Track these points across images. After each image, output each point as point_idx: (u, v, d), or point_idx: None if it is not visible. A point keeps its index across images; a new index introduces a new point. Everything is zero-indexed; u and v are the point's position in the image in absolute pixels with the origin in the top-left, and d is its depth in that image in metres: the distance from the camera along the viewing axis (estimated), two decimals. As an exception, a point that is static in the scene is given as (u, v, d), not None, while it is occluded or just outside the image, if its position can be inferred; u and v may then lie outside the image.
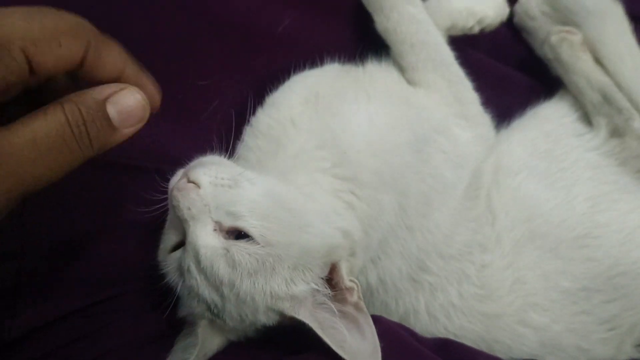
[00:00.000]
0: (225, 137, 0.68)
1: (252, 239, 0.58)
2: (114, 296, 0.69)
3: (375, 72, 0.76)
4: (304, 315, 0.58)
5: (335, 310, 0.59)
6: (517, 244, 0.73)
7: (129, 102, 0.43)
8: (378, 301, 0.72)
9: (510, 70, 0.88)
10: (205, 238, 0.57)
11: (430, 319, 0.73)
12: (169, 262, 0.61)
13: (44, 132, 0.38)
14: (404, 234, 0.70)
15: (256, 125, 0.73)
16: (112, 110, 0.42)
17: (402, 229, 0.70)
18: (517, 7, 0.88)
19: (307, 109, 0.72)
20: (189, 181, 0.58)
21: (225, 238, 0.58)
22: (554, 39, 0.80)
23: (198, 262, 0.57)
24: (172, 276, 0.61)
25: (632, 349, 0.75)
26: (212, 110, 0.74)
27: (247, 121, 0.73)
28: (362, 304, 0.60)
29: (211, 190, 0.58)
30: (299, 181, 0.67)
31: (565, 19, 0.83)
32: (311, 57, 0.76)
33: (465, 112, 0.77)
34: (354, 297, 0.61)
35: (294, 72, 0.75)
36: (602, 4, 0.81)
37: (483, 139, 0.79)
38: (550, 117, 0.81)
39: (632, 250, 0.73)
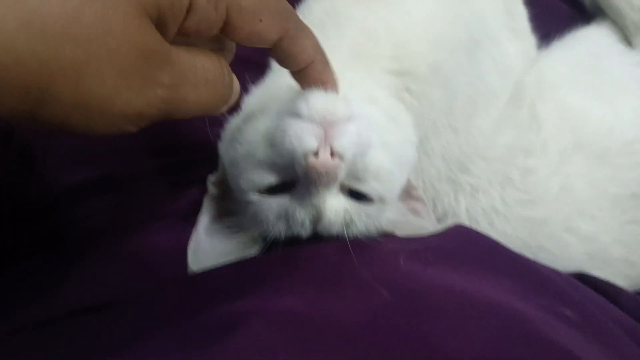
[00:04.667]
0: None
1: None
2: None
3: None
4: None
5: (406, 209, 0.62)
6: (564, 152, 0.71)
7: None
8: None
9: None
10: (332, 202, 0.53)
11: (471, 223, 0.69)
12: (264, 203, 0.55)
13: (204, 64, 0.39)
14: (447, 133, 0.68)
15: (307, 16, 0.70)
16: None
17: (445, 128, 0.68)
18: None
19: (357, 3, 0.70)
20: (333, 154, 0.50)
21: (345, 196, 0.55)
22: (595, -38, 0.81)
23: (317, 221, 0.54)
24: (269, 216, 0.55)
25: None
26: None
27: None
28: (423, 196, 0.63)
29: (352, 160, 0.51)
30: (366, 84, 0.63)
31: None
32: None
33: (513, 25, 0.77)
34: (419, 192, 0.63)
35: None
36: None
37: (527, 55, 0.78)
38: (591, 38, 0.81)
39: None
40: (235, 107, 0.62)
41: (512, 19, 0.76)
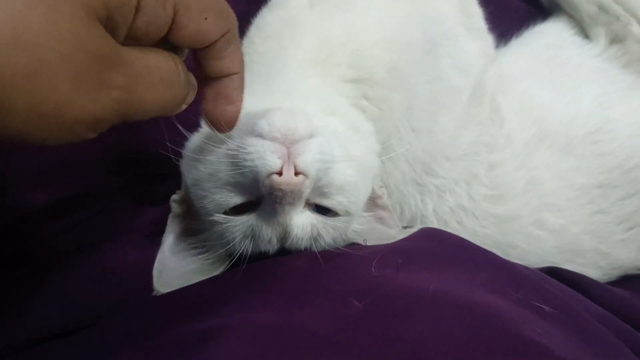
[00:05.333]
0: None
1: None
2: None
3: None
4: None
5: (372, 219, 0.62)
6: (528, 145, 0.71)
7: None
8: None
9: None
10: (298, 218, 0.53)
11: (440, 223, 0.69)
12: (230, 222, 0.54)
13: (157, 63, 0.38)
14: (409, 136, 0.68)
15: (263, 27, 0.70)
16: None
17: (407, 131, 0.67)
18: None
19: (312, 10, 0.70)
20: (297, 172, 0.50)
21: (311, 211, 0.55)
22: (547, -44, 0.82)
23: (284, 238, 0.54)
24: (235, 235, 0.54)
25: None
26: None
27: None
28: (389, 205, 0.64)
29: (316, 176, 0.51)
30: (324, 93, 0.64)
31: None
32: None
33: (469, 24, 0.77)
34: (383, 200, 0.64)
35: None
36: None
37: (485, 53, 0.78)
38: (548, 33, 0.82)
39: (646, 142, 0.71)
40: (195, 125, 0.61)
41: (468, 18, 0.76)
